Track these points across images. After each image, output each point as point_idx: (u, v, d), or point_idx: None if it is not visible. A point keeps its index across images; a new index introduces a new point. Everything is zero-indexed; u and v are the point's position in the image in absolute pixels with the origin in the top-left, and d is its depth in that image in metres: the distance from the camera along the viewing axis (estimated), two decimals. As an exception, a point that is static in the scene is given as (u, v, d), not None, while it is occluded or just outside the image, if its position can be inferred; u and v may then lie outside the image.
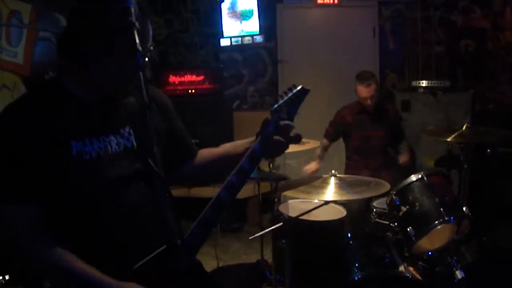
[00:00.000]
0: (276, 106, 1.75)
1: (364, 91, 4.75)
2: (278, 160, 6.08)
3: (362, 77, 4.80)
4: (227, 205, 1.71)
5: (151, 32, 1.64)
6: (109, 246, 1.68)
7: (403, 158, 4.92)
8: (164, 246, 1.61)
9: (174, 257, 1.49)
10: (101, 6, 1.58)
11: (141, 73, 1.39)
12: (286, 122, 1.74)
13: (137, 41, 1.41)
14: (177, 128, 2.03)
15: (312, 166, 4.81)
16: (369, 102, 4.76)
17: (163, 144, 1.78)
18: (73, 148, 1.62)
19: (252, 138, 1.85)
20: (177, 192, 1.48)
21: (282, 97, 1.77)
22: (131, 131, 1.79)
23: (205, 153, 2.12)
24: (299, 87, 1.80)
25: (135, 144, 1.78)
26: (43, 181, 1.58)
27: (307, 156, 4.99)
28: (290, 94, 1.78)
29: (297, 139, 1.78)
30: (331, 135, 5.04)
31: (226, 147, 2.05)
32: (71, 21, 1.65)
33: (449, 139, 3.75)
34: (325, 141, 5.03)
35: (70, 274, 1.59)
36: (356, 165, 4.88)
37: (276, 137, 1.73)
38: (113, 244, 1.69)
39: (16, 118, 1.61)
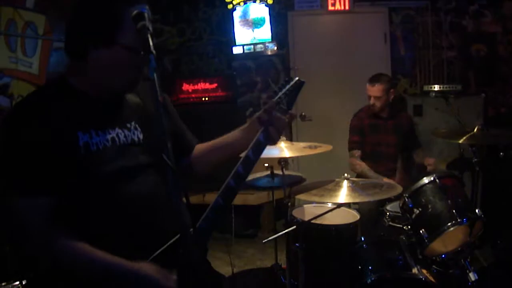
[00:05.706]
0: (277, 97, 1.84)
1: (370, 89, 4.75)
2: (291, 164, 6.07)
3: (371, 77, 4.81)
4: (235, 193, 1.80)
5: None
6: (119, 235, 1.72)
7: (428, 161, 4.66)
8: (177, 236, 1.66)
9: (186, 247, 1.53)
10: (109, 8, 1.66)
11: (155, 74, 1.43)
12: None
13: (151, 44, 1.45)
14: (178, 124, 2.11)
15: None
16: (375, 103, 4.75)
17: None
18: (80, 139, 1.67)
19: (243, 126, 2.01)
20: (191, 199, 1.53)
21: (280, 89, 1.86)
22: (137, 125, 1.86)
23: (202, 146, 2.20)
24: (295, 79, 1.90)
25: (141, 137, 1.85)
26: (55, 173, 1.62)
27: (319, 159, 4.95)
28: (288, 86, 1.88)
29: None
30: (359, 142, 4.84)
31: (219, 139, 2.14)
32: (78, 19, 1.71)
33: (460, 141, 3.72)
34: (358, 152, 4.79)
35: (89, 261, 1.63)
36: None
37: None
38: (123, 233, 1.73)
39: (25, 115, 1.66)
